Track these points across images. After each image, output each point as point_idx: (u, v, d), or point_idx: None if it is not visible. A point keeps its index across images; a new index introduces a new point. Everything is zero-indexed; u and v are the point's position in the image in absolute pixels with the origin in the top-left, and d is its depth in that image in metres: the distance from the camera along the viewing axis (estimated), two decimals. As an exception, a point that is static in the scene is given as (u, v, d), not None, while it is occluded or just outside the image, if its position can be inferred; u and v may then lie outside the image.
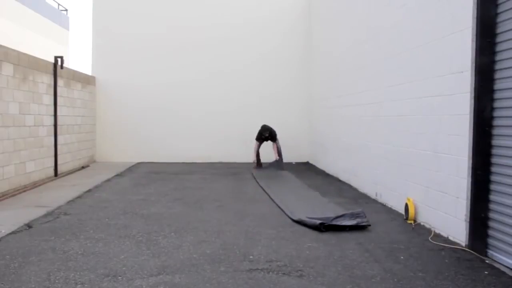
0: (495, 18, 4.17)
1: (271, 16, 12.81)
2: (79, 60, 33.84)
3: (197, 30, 12.61)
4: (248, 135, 11.09)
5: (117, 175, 9.72)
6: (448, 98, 4.83)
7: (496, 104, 4.16)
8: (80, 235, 4.84)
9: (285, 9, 12.92)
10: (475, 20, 4.33)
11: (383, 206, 6.56)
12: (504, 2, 4.06)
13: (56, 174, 9.25)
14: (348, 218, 5.29)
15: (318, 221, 5.14)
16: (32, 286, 3.44)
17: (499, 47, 4.13)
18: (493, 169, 4.18)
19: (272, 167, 10.41)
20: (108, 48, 12.54)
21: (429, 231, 5.07)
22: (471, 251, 4.32)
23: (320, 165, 11.24)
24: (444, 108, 4.92)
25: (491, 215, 4.18)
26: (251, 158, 10.90)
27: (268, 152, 10.83)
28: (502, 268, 3.88)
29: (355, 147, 8.19)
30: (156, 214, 5.95)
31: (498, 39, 4.14)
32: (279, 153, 10.70)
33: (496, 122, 4.17)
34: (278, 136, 10.83)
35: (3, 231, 4.97)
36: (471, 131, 4.37)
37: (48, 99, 9.06)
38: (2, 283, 3.48)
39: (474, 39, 4.34)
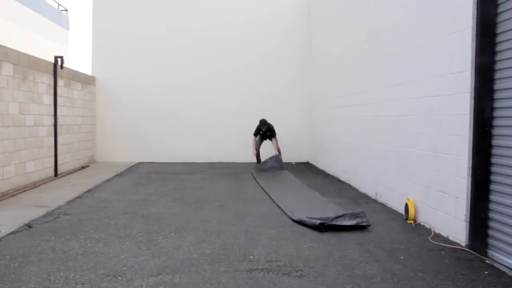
0: (495, 18, 4.17)
1: (271, 16, 12.81)
2: (79, 60, 33.86)
3: (197, 30, 12.61)
4: (248, 135, 11.08)
5: (117, 175, 9.72)
6: (448, 98, 4.83)
7: (496, 104, 4.16)
8: (80, 235, 4.84)
9: (285, 9, 12.92)
10: (475, 20, 4.33)
11: (383, 206, 6.56)
12: (504, 2, 4.06)
13: (56, 174, 9.25)
14: (348, 218, 5.29)
15: (318, 221, 5.14)
16: (32, 286, 3.44)
17: (499, 47, 4.13)
18: (493, 169, 4.18)
19: (272, 162, 10.30)
20: (108, 48, 12.54)
21: (429, 231, 5.07)
22: (471, 251, 4.32)
23: (320, 165, 11.24)
24: (444, 108, 4.92)
25: (491, 215, 4.18)
26: (252, 152, 10.85)
27: (268, 151, 10.82)
28: (502, 268, 3.88)
29: (355, 147, 8.19)
30: (156, 214, 5.95)
31: (498, 39, 4.14)
32: (278, 149, 10.69)
33: (496, 122, 4.17)
34: (277, 136, 10.83)
35: (3, 231, 4.97)
36: (471, 131, 4.37)
37: (48, 99, 9.06)
38: (2, 283, 3.48)
39: (474, 39, 4.34)
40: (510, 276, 3.73)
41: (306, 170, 10.93)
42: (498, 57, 4.14)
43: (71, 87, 10.41)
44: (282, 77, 12.84)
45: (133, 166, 11.46)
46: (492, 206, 4.18)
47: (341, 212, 5.63)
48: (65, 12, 22.78)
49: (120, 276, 3.66)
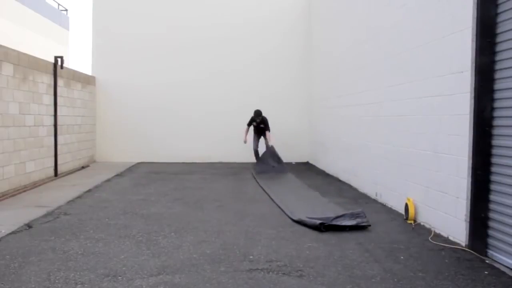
0: (495, 18, 4.17)
1: (271, 16, 12.81)
2: (79, 60, 33.87)
3: (197, 30, 12.61)
4: (248, 135, 11.09)
5: (117, 175, 9.72)
6: (448, 98, 4.83)
7: (496, 104, 4.16)
8: (80, 235, 4.84)
9: (285, 9, 12.92)
10: (475, 20, 4.33)
11: (383, 206, 6.56)
12: (504, 2, 4.06)
13: (56, 174, 9.25)
14: (348, 218, 5.29)
15: (318, 221, 5.14)
16: (32, 286, 3.44)
17: (499, 47, 4.13)
18: (493, 169, 4.18)
19: (270, 159, 10.24)
20: (108, 48, 12.54)
21: (429, 231, 5.07)
22: (471, 251, 4.32)
23: (320, 165, 11.24)
24: (444, 108, 4.92)
25: (491, 215, 4.18)
26: (243, 139, 10.92)
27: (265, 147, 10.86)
28: (502, 268, 3.88)
29: (355, 147, 8.19)
30: (156, 214, 5.95)
31: (498, 39, 4.14)
32: (267, 144, 10.72)
33: (496, 122, 4.17)
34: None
35: (3, 231, 4.97)
36: (471, 131, 4.37)
37: (48, 99, 9.06)
38: (2, 283, 3.48)
39: (474, 39, 4.34)
40: (510, 276, 3.73)
41: (306, 170, 10.93)
42: (498, 57, 4.14)
43: (71, 87, 10.41)
44: (282, 77, 12.84)
45: (133, 166, 11.46)
46: (492, 206, 4.18)
47: (341, 212, 5.63)
48: (65, 12, 22.79)
49: (120, 276, 3.66)
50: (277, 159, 10.22)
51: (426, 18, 5.42)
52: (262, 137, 11.03)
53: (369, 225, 5.22)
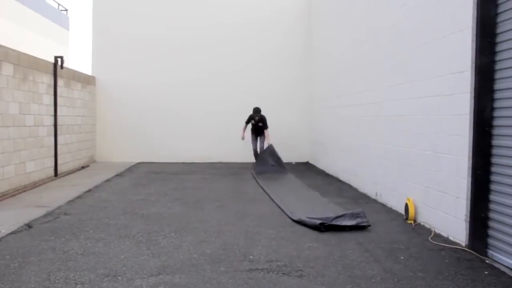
0: (495, 18, 4.17)
1: (271, 16, 12.81)
2: (79, 60, 33.87)
3: (197, 30, 12.61)
4: (248, 135, 11.09)
5: (117, 175, 9.72)
6: (448, 98, 4.83)
7: (496, 104, 4.16)
8: (80, 235, 4.84)
9: (285, 9, 12.92)
10: (475, 20, 4.33)
11: (383, 206, 6.56)
12: (504, 2, 4.06)
13: (56, 174, 9.25)
14: (348, 218, 5.29)
15: (318, 221, 5.14)
16: (32, 286, 3.44)
17: (499, 47, 4.13)
18: (493, 169, 4.18)
19: (270, 158, 10.24)
20: (108, 48, 12.54)
21: (429, 231, 5.07)
22: (471, 251, 4.32)
23: (320, 165, 11.24)
24: (444, 108, 4.92)
25: (491, 215, 4.18)
26: (240, 136, 11.03)
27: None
28: (502, 268, 3.88)
29: (355, 147, 8.19)
30: (156, 214, 5.95)
31: (498, 39, 4.14)
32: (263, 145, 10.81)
33: (496, 122, 4.17)
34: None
35: (3, 231, 4.97)
36: (471, 131, 4.37)
37: (48, 99, 9.06)
38: (2, 283, 3.48)
39: (474, 39, 4.34)
40: (510, 276, 3.73)
41: (306, 170, 10.93)
42: (498, 57, 4.14)
43: (71, 87, 10.41)
44: (282, 77, 12.84)
45: (133, 166, 11.46)
46: (492, 206, 4.18)
47: (341, 212, 5.63)
48: (65, 12, 22.80)
49: (120, 276, 3.66)
50: (276, 158, 10.21)
51: (426, 18, 5.42)
52: (259, 136, 11.06)
53: (369, 225, 5.22)
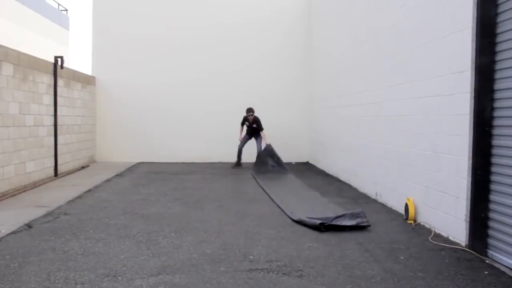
0: (495, 18, 4.17)
1: (271, 16, 12.81)
2: (79, 60, 33.87)
3: (197, 30, 12.61)
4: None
5: (117, 175, 9.72)
6: (448, 98, 4.83)
7: (496, 104, 4.16)
8: (80, 235, 4.84)
9: (285, 9, 12.92)
10: (475, 20, 4.33)
11: (383, 206, 6.56)
12: (504, 2, 4.06)
13: (56, 174, 9.25)
14: (348, 218, 5.29)
15: (318, 221, 5.13)
16: (32, 286, 3.44)
17: (499, 47, 4.13)
18: (493, 169, 4.18)
19: (269, 159, 10.23)
20: (108, 48, 12.54)
21: (429, 231, 5.07)
22: (471, 251, 4.32)
23: (320, 165, 11.24)
24: (444, 108, 4.92)
25: (491, 215, 4.18)
26: (238, 138, 11.26)
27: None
28: (502, 268, 3.88)
29: (355, 147, 8.19)
30: (156, 214, 5.95)
31: (498, 39, 4.14)
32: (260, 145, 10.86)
33: (496, 122, 4.17)
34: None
35: (3, 231, 4.97)
36: (471, 131, 4.37)
37: (48, 99, 9.06)
38: (2, 283, 3.48)
39: (474, 39, 4.34)
40: (510, 276, 3.73)
41: (306, 170, 10.93)
42: (498, 57, 4.14)
43: (71, 87, 10.41)
44: (282, 77, 12.83)
45: (133, 166, 11.46)
46: (492, 206, 4.18)
47: (341, 212, 5.63)
48: (65, 12, 22.80)
49: (120, 276, 3.66)
50: (277, 159, 10.21)
51: (426, 18, 5.42)
52: (254, 138, 11.13)
53: (369, 225, 5.22)
